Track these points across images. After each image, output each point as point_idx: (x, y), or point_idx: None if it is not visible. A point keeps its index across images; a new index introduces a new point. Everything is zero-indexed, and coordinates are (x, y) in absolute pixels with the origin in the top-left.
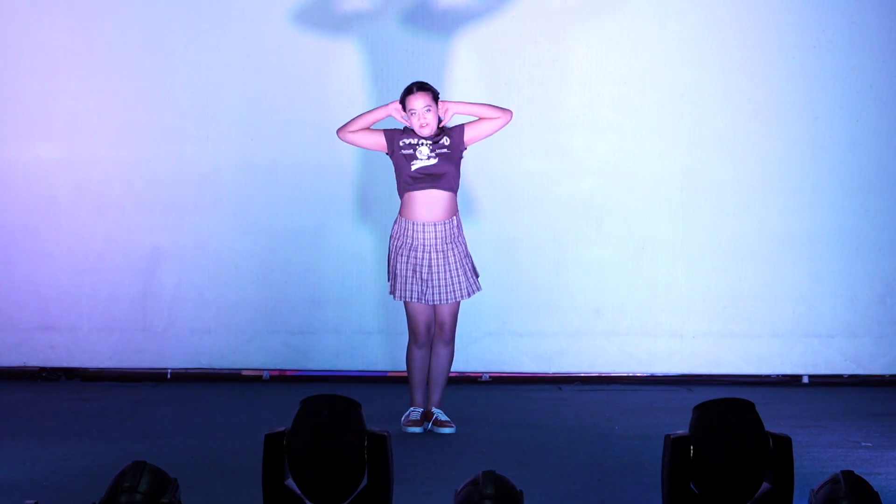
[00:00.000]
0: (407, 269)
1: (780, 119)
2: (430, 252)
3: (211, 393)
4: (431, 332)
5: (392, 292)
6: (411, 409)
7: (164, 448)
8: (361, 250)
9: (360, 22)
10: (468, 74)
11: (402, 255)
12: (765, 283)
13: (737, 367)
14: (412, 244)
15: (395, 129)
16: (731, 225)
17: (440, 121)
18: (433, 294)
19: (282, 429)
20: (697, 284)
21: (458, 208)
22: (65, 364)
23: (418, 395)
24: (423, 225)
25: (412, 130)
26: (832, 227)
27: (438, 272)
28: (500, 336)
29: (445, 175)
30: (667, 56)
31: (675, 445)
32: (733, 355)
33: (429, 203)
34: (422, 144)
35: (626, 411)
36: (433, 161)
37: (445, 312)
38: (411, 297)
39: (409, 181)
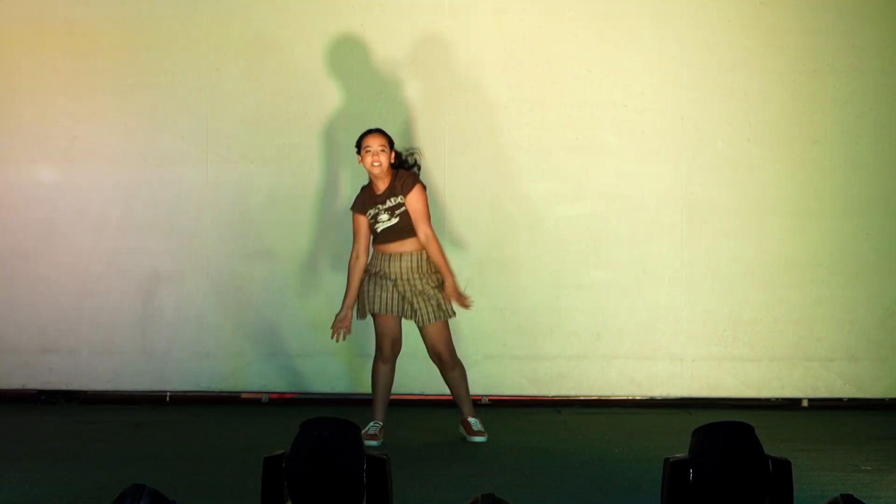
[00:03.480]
0: (381, 287)
1: (780, 142)
2: (405, 280)
3: (210, 416)
4: (397, 350)
5: (361, 315)
6: (371, 423)
7: (164, 471)
8: None
9: (360, 46)
10: (468, 97)
11: (376, 279)
12: (765, 306)
13: (736, 390)
14: (387, 274)
15: (362, 200)
16: (731, 248)
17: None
18: (415, 314)
19: (281, 451)
20: (697, 308)
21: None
22: (64, 387)
23: (379, 410)
24: (391, 256)
25: (371, 196)
26: (832, 250)
27: (416, 295)
28: (500, 359)
29: (407, 227)
30: (666, 79)
31: (674, 469)
32: (733, 379)
33: (397, 247)
34: (381, 213)
35: (625, 434)
36: (395, 221)
37: (434, 337)
38: (382, 309)
39: (377, 237)
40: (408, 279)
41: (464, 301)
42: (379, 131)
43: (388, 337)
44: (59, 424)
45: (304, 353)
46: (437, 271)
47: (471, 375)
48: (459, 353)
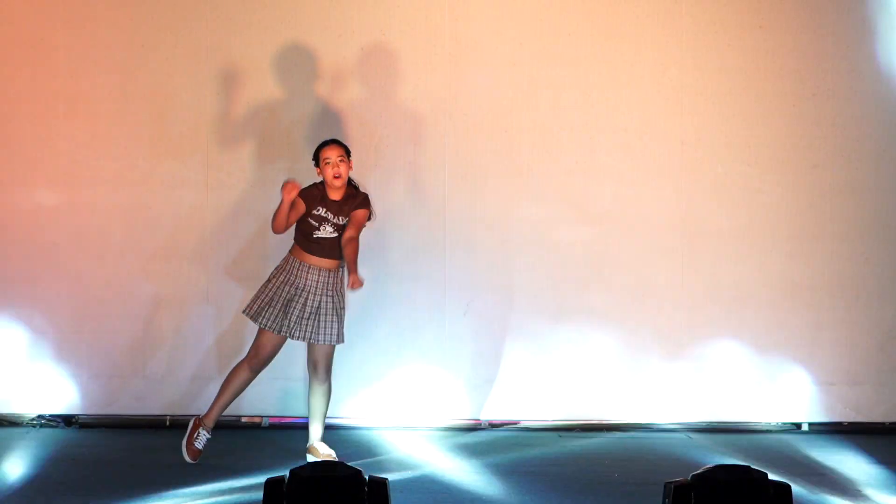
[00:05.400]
0: (282, 303)
1: (780, 166)
2: (312, 294)
3: (210, 439)
4: (267, 364)
5: (252, 315)
6: (201, 430)
7: (164, 495)
8: (359, 298)
9: (360, 71)
10: (468, 121)
11: (283, 289)
12: (765, 330)
13: (737, 414)
14: (297, 283)
15: (310, 191)
16: (731, 272)
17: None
18: (312, 333)
19: (282, 475)
20: (697, 331)
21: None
22: (64, 411)
23: (214, 414)
24: (310, 268)
25: (323, 198)
26: (832, 274)
27: (318, 313)
28: (500, 383)
29: (339, 245)
30: (666, 103)
31: (675, 493)
32: (734, 403)
33: (320, 263)
34: (328, 223)
35: (625, 458)
36: (334, 235)
37: (320, 352)
38: (277, 332)
39: (309, 242)
40: (317, 292)
41: (357, 284)
42: (336, 142)
43: (269, 353)
44: (59, 449)
45: (304, 377)
46: (346, 266)
47: (471, 399)
48: (459, 378)
